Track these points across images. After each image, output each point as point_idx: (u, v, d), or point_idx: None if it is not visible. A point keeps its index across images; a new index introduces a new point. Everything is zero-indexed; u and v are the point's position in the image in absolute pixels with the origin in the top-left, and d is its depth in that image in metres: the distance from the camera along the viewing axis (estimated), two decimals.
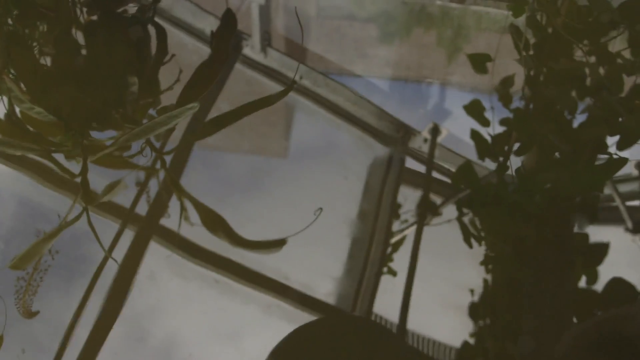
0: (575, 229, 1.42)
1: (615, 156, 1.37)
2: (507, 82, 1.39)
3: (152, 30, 1.43)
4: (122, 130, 1.15)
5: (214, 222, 1.20)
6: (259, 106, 1.22)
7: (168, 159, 1.43)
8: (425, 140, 2.03)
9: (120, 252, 1.52)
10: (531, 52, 1.37)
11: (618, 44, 1.35)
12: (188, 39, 2.00)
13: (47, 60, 1.29)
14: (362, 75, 1.99)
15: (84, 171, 1.14)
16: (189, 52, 2.00)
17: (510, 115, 1.44)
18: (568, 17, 1.31)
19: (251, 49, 1.96)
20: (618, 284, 1.33)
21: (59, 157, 1.21)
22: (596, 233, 1.42)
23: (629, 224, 1.99)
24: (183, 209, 1.24)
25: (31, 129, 1.17)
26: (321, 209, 1.29)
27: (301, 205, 1.92)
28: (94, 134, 1.17)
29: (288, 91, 1.27)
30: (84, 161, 1.13)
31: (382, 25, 2.87)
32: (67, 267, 1.59)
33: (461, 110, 1.46)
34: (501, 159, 1.43)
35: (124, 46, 1.32)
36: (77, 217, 1.19)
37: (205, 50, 2.03)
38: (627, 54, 1.36)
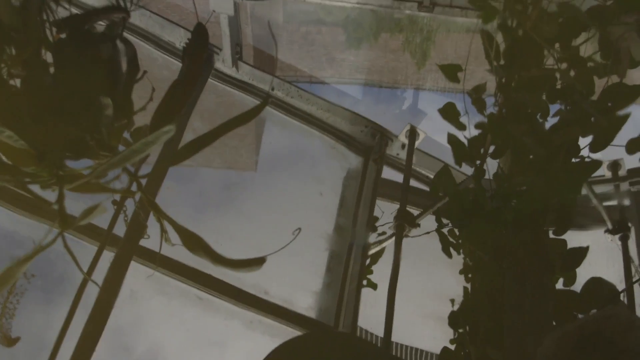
0: (552, 234, 1.43)
1: (588, 158, 1.38)
2: (479, 89, 1.40)
3: (121, 46, 1.41)
4: (98, 159, 1.13)
5: (194, 243, 1.19)
6: (234, 125, 1.21)
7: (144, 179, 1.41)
8: (403, 146, 2.02)
9: (99, 273, 1.50)
10: (502, 62, 1.38)
11: (589, 48, 1.37)
12: (157, 53, 1.97)
13: (17, 82, 1.26)
14: (332, 81, 1.99)
15: (60, 200, 1.12)
16: (159, 67, 1.98)
17: (485, 120, 1.45)
18: (538, 22, 1.32)
19: (222, 62, 1.94)
20: (597, 284, 1.34)
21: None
22: (573, 236, 1.44)
23: (609, 225, 2.02)
24: (163, 231, 1.23)
25: (4, 158, 1.14)
26: (300, 229, 1.28)
27: (277, 221, 1.91)
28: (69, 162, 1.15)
29: (263, 106, 1.27)
30: (60, 190, 1.11)
31: (350, 30, 2.88)
32: (44, 289, 1.56)
33: (435, 112, 1.47)
34: (478, 162, 1.44)
35: (94, 64, 1.30)
36: (53, 241, 1.17)
37: (175, 64, 2.00)
38: (597, 56, 1.38)
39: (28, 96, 1.21)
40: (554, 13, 1.37)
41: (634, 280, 1.77)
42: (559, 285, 1.45)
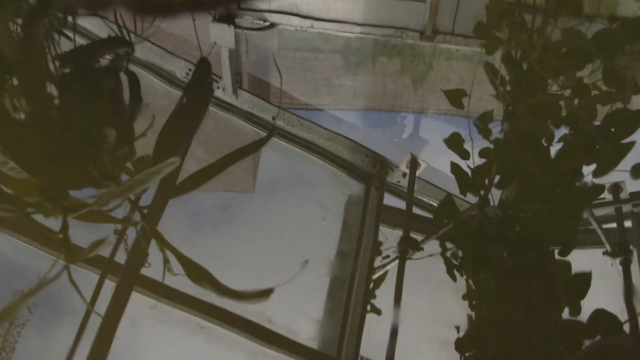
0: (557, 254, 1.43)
1: (591, 184, 1.39)
2: (486, 118, 1.40)
3: (123, 76, 1.41)
4: (101, 188, 1.12)
5: (198, 274, 1.18)
6: (240, 157, 1.20)
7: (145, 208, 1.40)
8: (404, 174, 2.03)
9: (100, 302, 1.48)
10: (508, 88, 1.39)
11: (592, 75, 1.38)
12: (158, 82, 1.98)
13: (21, 115, 1.26)
14: (330, 107, 2.00)
15: (65, 230, 1.11)
16: (160, 96, 1.98)
17: (489, 145, 1.45)
18: (543, 52, 1.33)
19: (223, 91, 1.95)
20: (601, 316, 1.35)
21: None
22: (575, 257, 1.43)
23: (608, 247, 2.02)
24: (166, 261, 1.22)
25: (5, 189, 1.14)
26: (307, 260, 1.27)
27: (279, 246, 1.90)
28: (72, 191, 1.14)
29: (269, 138, 1.26)
30: (64, 220, 1.11)
31: (348, 56, 2.89)
32: (45, 318, 1.54)
33: (435, 135, 1.47)
34: (482, 192, 1.44)
35: (98, 97, 1.30)
36: (58, 275, 1.16)
37: (175, 94, 2.01)
38: (601, 83, 1.39)
39: (32, 128, 1.21)
40: (558, 42, 1.38)
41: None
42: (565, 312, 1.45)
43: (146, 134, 1.38)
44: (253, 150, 1.24)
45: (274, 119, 1.91)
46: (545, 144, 1.40)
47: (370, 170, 2.01)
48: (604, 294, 1.91)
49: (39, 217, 1.20)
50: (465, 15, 1.65)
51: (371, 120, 2.44)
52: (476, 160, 1.45)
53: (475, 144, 1.44)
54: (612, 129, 1.36)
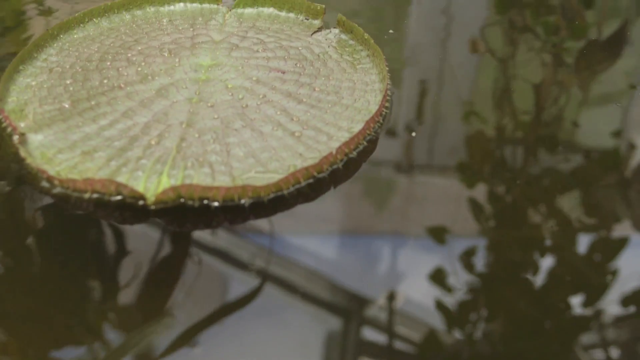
0: None
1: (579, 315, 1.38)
2: (471, 253, 1.40)
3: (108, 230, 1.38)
4: (87, 345, 1.05)
5: None
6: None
7: None
8: (382, 308, 1.97)
9: None
10: (491, 222, 1.41)
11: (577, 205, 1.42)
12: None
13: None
14: (292, 234, 1.96)
15: None
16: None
17: (474, 278, 1.44)
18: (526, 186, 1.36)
19: None
20: None
21: None
22: None
23: None
24: None
25: None
26: None
27: None
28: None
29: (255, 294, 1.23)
30: None
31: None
32: None
33: (414, 263, 1.45)
34: (470, 327, 1.41)
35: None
36: None
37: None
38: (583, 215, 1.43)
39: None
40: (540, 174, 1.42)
41: None
42: None
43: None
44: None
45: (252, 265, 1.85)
46: (530, 277, 1.41)
47: (347, 306, 1.95)
48: None
49: None
50: (441, 149, 1.69)
51: (339, 247, 2.41)
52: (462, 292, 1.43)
53: (459, 276, 1.43)
54: (597, 257, 1.38)
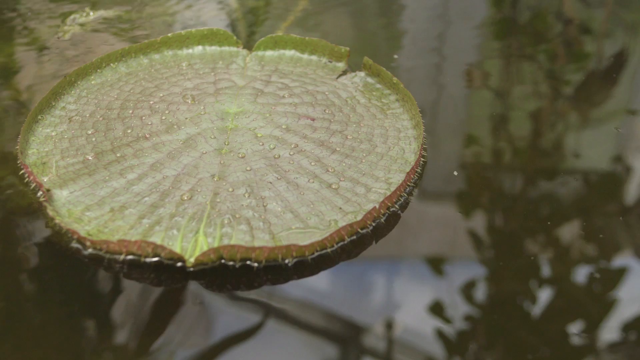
0: None
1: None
2: (470, 285, 1.36)
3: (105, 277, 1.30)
4: None
5: None
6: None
7: None
8: (379, 336, 1.90)
9: None
10: (489, 251, 1.39)
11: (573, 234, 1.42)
12: None
13: None
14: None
15: None
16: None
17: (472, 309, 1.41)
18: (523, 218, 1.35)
19: None
20: None
21: None
22: None
23: None
24: None
25: None
26: None
27: None
28: None
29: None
30: None
31: None
32: None
33: (411, 290, 1.39)
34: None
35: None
36: None
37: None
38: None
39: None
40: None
41: None
42: None
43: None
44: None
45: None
46: (529, 307, 1.39)
47: (342, 333, 1.88)
48: None
49: None
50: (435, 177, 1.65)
51: (339, 275, 2.33)
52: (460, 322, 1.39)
53: (458, 306, 1.39)
54: (595, 286, 1.37)
